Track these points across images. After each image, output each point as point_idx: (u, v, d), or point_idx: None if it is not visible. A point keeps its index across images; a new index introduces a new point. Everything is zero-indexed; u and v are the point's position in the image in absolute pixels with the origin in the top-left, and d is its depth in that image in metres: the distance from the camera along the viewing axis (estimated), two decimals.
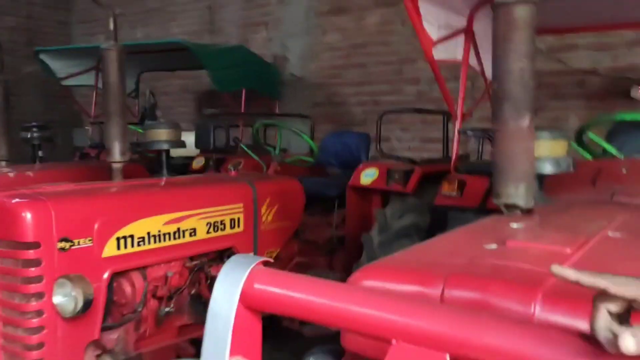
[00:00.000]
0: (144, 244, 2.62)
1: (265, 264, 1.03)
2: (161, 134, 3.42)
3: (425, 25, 3.54)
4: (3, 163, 4.26)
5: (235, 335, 0.97)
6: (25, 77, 7.89)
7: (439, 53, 3.69)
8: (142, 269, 2.65)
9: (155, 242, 2.67)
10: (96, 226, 2.42)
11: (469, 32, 3.75)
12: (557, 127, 2.40)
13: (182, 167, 5.03)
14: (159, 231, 2.69)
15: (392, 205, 3.71)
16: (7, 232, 2.26)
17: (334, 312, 0.91)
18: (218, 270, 2.98)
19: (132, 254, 2.57)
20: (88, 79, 6.49)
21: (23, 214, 2.22)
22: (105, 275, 2.44)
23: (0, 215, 2.28)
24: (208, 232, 2.94)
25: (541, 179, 2.22)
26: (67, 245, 2.31)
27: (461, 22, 3.70)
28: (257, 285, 0.99)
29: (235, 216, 3.13)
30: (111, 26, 3.18)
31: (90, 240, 2.39)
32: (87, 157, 5.89)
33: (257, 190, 3.28)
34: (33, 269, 2.22)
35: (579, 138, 3.30)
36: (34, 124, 4.63)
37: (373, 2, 6.44)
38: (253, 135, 4.55)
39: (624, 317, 0.73)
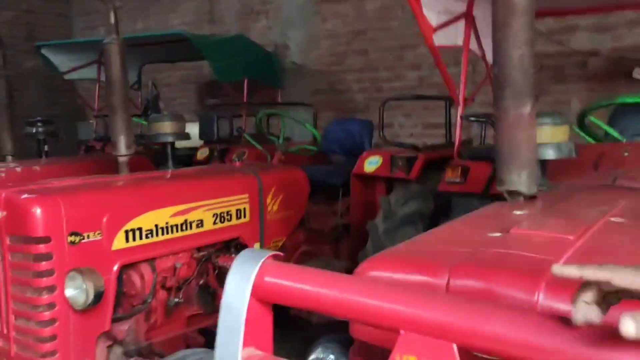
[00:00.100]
0: (152, 236, 2.65)
1: (275, 257, 1.06)
2: (166, 127, 3.44)
3: (425, 11, 3.53)
4: (9, 158, 4.30)
5: (247, 327, 1.00)
6: (27, 71, 7.90)
7: (440, 39, 3.68)
8: (150, 260, 2.68)
9: (163, 234, 2.70)
10: (105, 220, 2.46)
11: (469, 17, 3.75)
12: (558, 112, 2.40)
13: (186, 158, 5.06)
14: (167, 223, 2.72)
15: (396, 192, 3.73)
16: (18, 227, 2.30)
17: (342, 304, 0.93)
18: (225, 261, 3.04)
19: (141, 246, 2.60)
20: (90, 73, 6.50)
21: (33, 209, 2.26)
22: (115, 268, 2.47)
23: (11, 211, 2.31)
24: (215, 223, 2.98)
25: (544, 164, 2.24)
26: (77, 239, 2.35)
27: (461, 7, 3.69)
28: (267, 279, 1.02)
29: (241, 207, 3.16)
30: (112, 20, 3.18)
31: (99, 233, 2.43)
32: (92, 151, 5.92)
33: (262, 180, 3.31)
34: (44, 262, 2.26)
35: (581, 122, 3.32)
36: (38, 118, 4.65)
37: None
38: (256, 125, 4.57)
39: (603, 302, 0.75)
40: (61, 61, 6.34)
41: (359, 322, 0.93)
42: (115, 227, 2.50)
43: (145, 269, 2.66)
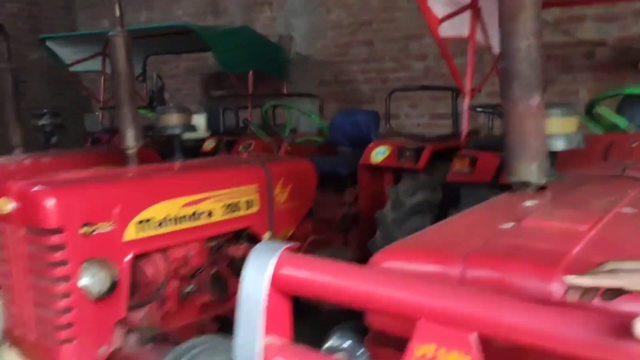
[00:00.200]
0: (163, 226, 2.69)
1: (291, 249, 1.08)
2: (172, 119, 3.46)
3: (430, 3, 3.54)
4: (18, 150, 4.32)
5: (267, 317, 1.03)
6: (31, 64, 7.91)
7: (445, 30, 3.69)
8: (163, 250, 2.72)
9: (174, 224, 2.73)
10: (116, 211, 2.48)
11: (474, 8, 3.75)
12: (567, 103, 2.41)
13: (193, 149, 5.08)
14: (177, 214, 2.75)
15: (404, 182, 3.76)
16: (32, 218, 2.33)
17: (360, 295, 0.96)
18: (236, 251, 3.07)
19: (153, 237, 2.63)
20: (95, 65, 6.51)
21: (46, 201, 2.29)
22: (128, 258, 2.51)
23: (24, 203, 2.34)
24: (224, 214, 3.01)
25: (553, 155, 2.25)
26: (90, 230, 2.38)
27: None
28: (284, 271, 1.04)
29: (250, 197, 3.19)
30: (117, 12, 3.19)
31: (111, 224, 2.46)
32: (99, 143, 5.94)
33: (270, 171, 3.34)
34: (58, 253, 2.29)
35: (589, 112, 3.32)
36: (45, 111, 4.68)
37: None
38: (262, 116, 4.59)
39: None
40: (66, 53, 6.35)
41: (378, 312, 0.96)
42: (127, 218, 2.53)
43: (158, 258, 2.69)
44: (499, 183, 3.24)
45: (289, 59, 6.74)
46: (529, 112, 1.92)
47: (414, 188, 3.67)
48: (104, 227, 2.42)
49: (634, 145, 2.74)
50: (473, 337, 0.83)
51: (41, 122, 4.64)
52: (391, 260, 1.17)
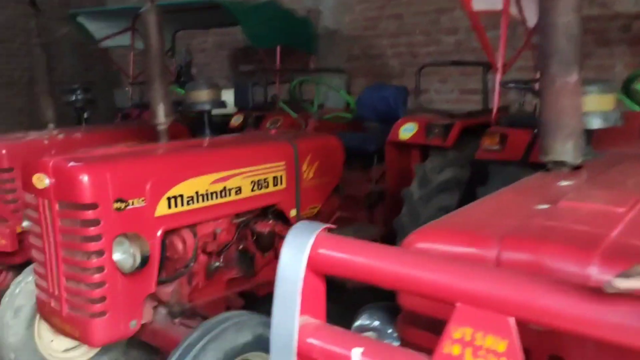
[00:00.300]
0: (193, 202, 2.72)
1: (328, 230, 1.08)
2: (203, 95, 3.47)
3: None
4: (51, 126, 4.40)
5: (303, 297, 1.03)
6: (61, 39, 8.00)
7: (479, 3, 3.58)
8: (192, 226, 2.76)
9: (203, 200, 2.76)
10: (148, 187, 2.52)
11: None
12: (603, 79, 2.33)
13: (220, 124, 5.10)
14: (207, 190, 2.78)
15: (431, 159, 3.72)
16: (67, 194, 2.38)
17: (397, 276, 0.95)
18: (263, 227, 3.10)
19: (183, 213, 2.67)
20: (124, 40, 6.54)
21: (81, 177, 2.33)
22: (159, 233, 2.55)
23: (59, 178, 2.39)
24: (252, 190, 3.03)
25: (589, 133, 2.19)
26: (123, 205, 2.42)
27: None
28: (321, 250, 1.04)
29: (278, 174, 3.20)
30: None
31: (143, 200, 2.50)
32: (129, 118, 6.01)
33: (297, 147, 3.34)
34: (92, 228, 2.35)
35: (626, 89, 3.22)
36: (76, 86, 4.73)
37: None
38: (290, 92, 4.56)
39: None
40: (95, 29, 6.39)
41: (414, 294, 0.95)
42: (158, 194, 2.57)
43: (187, 234, 2.74)
44: (530, 161, 3.18)
45: (317, 34, 6.66)
46: (566, 89, 1.87)
47: (442, 165, 3.63)
48: (137, 203, 2.47)
49: None
50: (512, 321, 0.82)
51: (72, 97, 4.70)
52: (425, 242, 1.16)
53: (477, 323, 0.85)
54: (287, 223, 3.33)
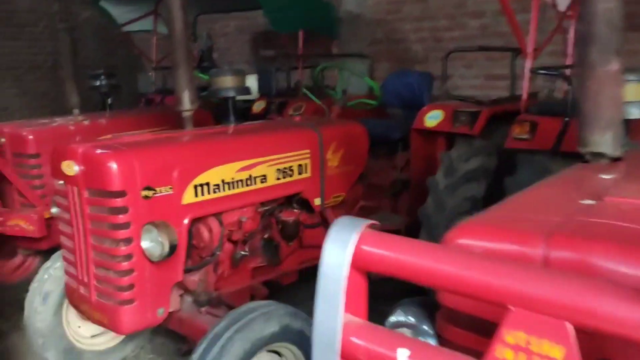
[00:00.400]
0: (219, 191, 2.71)
1: (371, 226, 1.06)
2: (227, 81, 3.44)
3: None
4: (77, 111, 4.43)
5: (346, 295, 1.01)
6: (83, 22, 8.02)
7: None
8: (218, 214, 2.75)
9: (229, 188, 2.75)
10: (175, 174, 2.52)
11: None
12: None
13: (242, 110, 5.08)
14: (233, 178, 2.77)
15: (458, 147, 3.65)
16: (96, 181, 2.38)
17: (445, 276, 0.92)
18: (288, 215, 3.08)
19: (209, 201, 2.66)
20: (146, 24, 6.53)
21: (110, 164, 2.33)
22: (186, 221, 2.55)
23: (88, 166, 2.40)
24: (277, 179, 3.01)
25: (627, 123, 2.13)
26: (150, 193, 2.42)
27: None
28: (365, 247, 1.02)
29: (303, 162, 3.17)
30: None
31: (170, 188, 2.49)
32: (152, 103, 6.02)
33: (322, 135, 3.30)
34: (121, 215, 2.35)
35: None
36: (101, 71, 4.74)
37: None
38: (314, 77, 4.52)
39: None
40: (118, 13, 6.38)
41: (463, 295, 0.93)
42: (185, 182, 2.56)
43: (213, 222, 2.73)
44: (561, 150, 3.11)
45: (339, 18, 6.57)
46: (606, 78, 1.81)
47: (469, 154, 3.57)
48: (164, 191, 2.46)
49: None
50: (569, 327, 0.79)
51: (97, 83, 4.71)
52: (466, 238, 1.12)
53: (531, 327, 0.82)
54: (312, 211, 3.32)
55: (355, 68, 5.23)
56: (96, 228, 2.43)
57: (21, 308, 3.01)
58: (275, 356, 2.42)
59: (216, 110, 4.68)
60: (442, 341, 1.24)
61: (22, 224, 3.57)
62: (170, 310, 2.56)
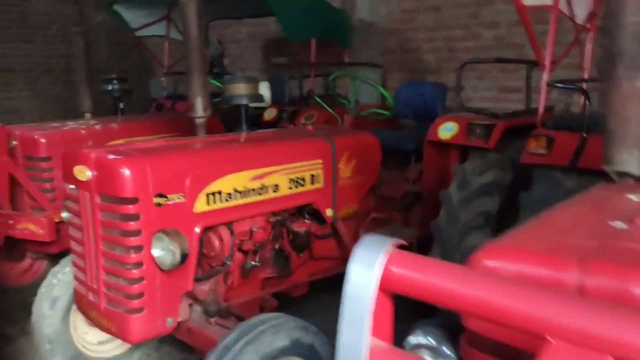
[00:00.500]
0: (231, 199, 2.68)
1: (399, 246, 1.02)
2: (240, 89, 3.41)
3: None
4: (88, 115, 4.42)
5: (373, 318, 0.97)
6: (96, 26, 8.04)
7: None
8: (229, 223, 2.72)
9: (241, 197, 2.72)
10: (187, 182, 2.49)
11: None
12: None
13: (253, 117, 5.04)
14: (245, 187, 2.74)
15: (472, 160, 3.60)
16: (108, 187, 2.35)
17: (478, 303, 0.88)
18: (299, 226, 3.04)
19: (221, 210, 2.63)
20: (159, 29, 6.54)
21: (122, 170, 2.30)
22: (197, 230, 2.52)
23: (101, 172, 2.37)
24: (290, 188, 2.98)
25: None
26: (162, 200, 2.39)
27: None
28: (393, 269, 0.98)
29: (315, 172, 3.14)
30: None
31: (182, 196, 2.46)
32: (163, 108, 6.01)
33: (335, 145, 3.27)
34: (132, 222, 2.31)
35: None
36: (114, 76, 4.74)
37: None
38: (327, 86, 4.49)
39: None
40: (131, 17, 6.38)
41: (496, 323, 0.88)
42: (197, 190, 2.53)
43: (224, 231, 2.70)
44: (578, 167, 3.06)
45: (352, 26, 6.54)
46: (634, 94, 1.77)
47: (483, 167, 3.52)
48: (176, 198, 2.43)
49: None
50: None
51: (109, 87, 4.70)
52: (494, 260, 1.08)
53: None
54: (323, 222, 3.28)
55: (366, 77, 5.20)
56: (107, 234, 2.40)
57: (28, 312, 2.98)
58: None
59: (226, 117, 4.66)
60: None
61: (32, 227, 3.55)
62: (179, 319, 2.53)
